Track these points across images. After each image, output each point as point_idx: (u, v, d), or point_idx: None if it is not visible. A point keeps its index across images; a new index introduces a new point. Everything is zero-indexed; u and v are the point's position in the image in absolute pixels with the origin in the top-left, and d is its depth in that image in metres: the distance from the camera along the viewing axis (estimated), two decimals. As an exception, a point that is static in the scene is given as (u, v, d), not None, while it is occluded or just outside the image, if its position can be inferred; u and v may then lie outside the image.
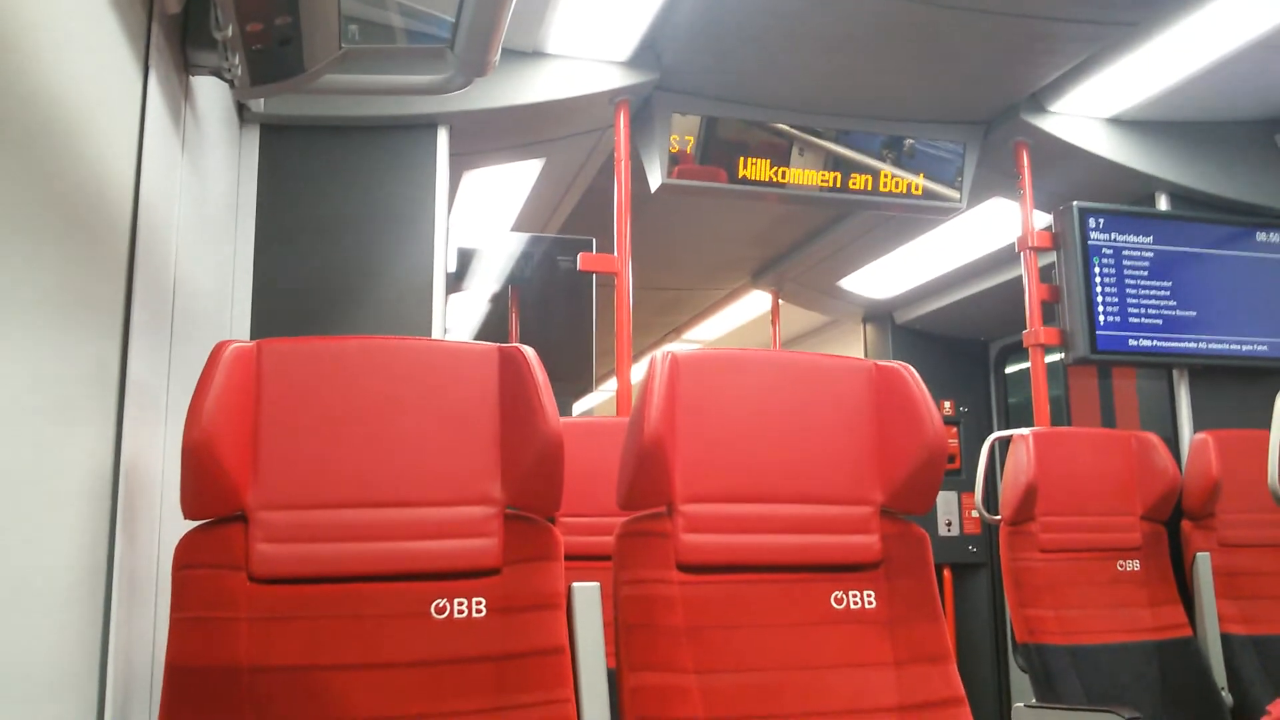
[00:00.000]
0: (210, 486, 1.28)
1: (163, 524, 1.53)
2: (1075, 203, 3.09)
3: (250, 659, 1.25)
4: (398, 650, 1.30)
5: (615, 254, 2.80)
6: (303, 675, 1.26)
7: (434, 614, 1.32)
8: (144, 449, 1.42)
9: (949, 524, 4.50)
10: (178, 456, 1.27)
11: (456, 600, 1.33)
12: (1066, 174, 3.21)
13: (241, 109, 2.40)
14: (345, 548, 1.33)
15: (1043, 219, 3.23)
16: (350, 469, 1.37)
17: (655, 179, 2.97)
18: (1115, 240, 3.11)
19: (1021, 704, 2.18)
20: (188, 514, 1.30)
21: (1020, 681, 4.27)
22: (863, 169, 3.14)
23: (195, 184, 1.82)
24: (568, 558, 1.43)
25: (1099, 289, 3.07)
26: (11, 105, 0.96)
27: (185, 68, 1.69)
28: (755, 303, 5.39)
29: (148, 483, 1.45)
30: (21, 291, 0.99)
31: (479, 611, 1.33)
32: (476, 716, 1.29)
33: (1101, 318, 3.05)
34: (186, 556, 1.28)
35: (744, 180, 3.05)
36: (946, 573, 4.50)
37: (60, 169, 1.10)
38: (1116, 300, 3.09)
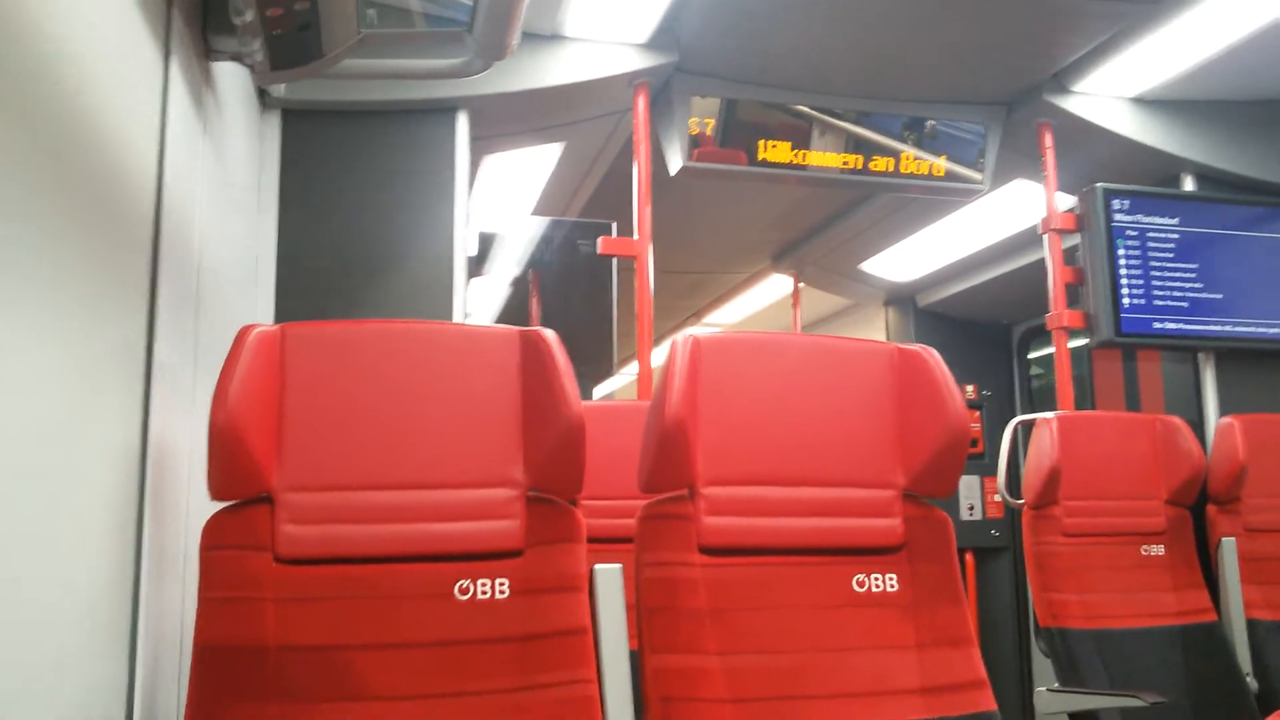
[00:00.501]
0: (236, 468, 1.29)
1: (190, 504, 1.54)
2: (1099, 184, 3.06)
3: (277, 639, 1.26)
4: (422, 631, 1.31)
5: (635, 237, 2.79)
6: (328, 655, 1.27)
7: (457, 595, 1.33)
8: (171, 430, 1.43)
9: (971, 508, 4.49)
10: (204, 438, 1.29)
11: (480, 581, 1.34)
12: (1090, 155, 3.17)
13: (262, 94, 2.40)
14: (369, 529, 1.34)
15: (1066, 200, 3.20)
16: (374, 452, 1.37)
17: (675, 162, 2.96)
18: (1140, 222, 3.08)
19: (1044, 688, 2.17)
20: (214, 495, 1.31)
21: (1042, 666, 4.26)
22: (884, 151, 3.12)
23: (217, 168, 1.82)
24: (589, 540, 1.44)
25: (1123, 271, 3.04)
26: (36, 92, 0.96)
27: (206, 53, 1.70)
28: (776, 286, 5.37)
29: (175, 463, 1.46)
30: (49, 275, 1.00)
31: (502, 593, 1.34)
32: (499, 696, 1.30)
33: (1126, 300, 3.02)
34: (213, 537, 1.30)
35: (764, 163, 3.04)
36: (969, 557, 4.49)
37: (85, 154, 1.11)
38: (1141, 283, 3.06)
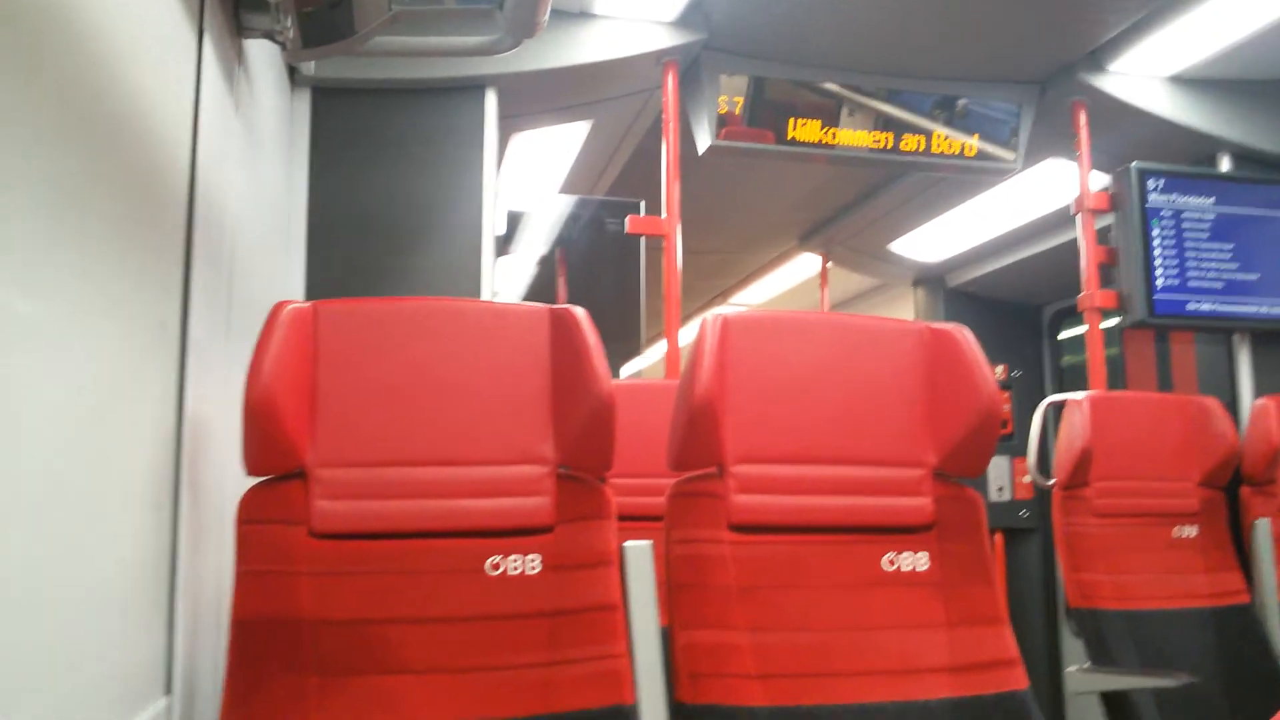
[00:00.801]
0: (270, 444, 1.30)
1: (225, 479, 1.56)
2: (1134, 163, 3.01)
3: (312, 612, 1.28)
4: (454, 605, 1.32)
5: (664, 216, 2.78)
6: (362, 628, 1.29)
7: (489, 570, 1.34)
8: (205, 407, 1.45)
9: (1000, 489, 4.46)
10: (238, 414, 1.30)
11: (511, 557, 1.35)
12: (1125, 134, 3.13)
13: (293, 72, 2.41)
14: (402, 505, 1.35)
15: (1100, 180, 3.16)
16: (406, 428, 1.38)
17: (703, 141, 2.95)
18: (1175, 202, 3.04)
19: (1074, 668, 2.16)
20: (250, 470, 1.32)
21: (1072, 647, 4.24)
22: (914, 129, 3.09)
23: (249, 147, 1.83)
24: (619, 518, 1.44)
25: (1157, 252, 3.00)
26: (71, 70, 0.97)
27: (238, 31, 1.70)
28: (803, 266, 5.34)
29: (210, 440, 1.48)
30: (87, 255, 1.01)
31: (533, 569, 1.35)
32: (531, 670, 1.31)
33: (1160, 281, 2.98)
34: (249, 512, 1.31)
35: (793, 142, 3.02)
36: (998, 538, 4.47)
37: (120, 134, 1.12)
38: (1176, 263, 3.02)
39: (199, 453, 1.41)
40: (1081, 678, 2.13)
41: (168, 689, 1.27)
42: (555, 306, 1.47)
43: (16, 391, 0.84)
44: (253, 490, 1.33)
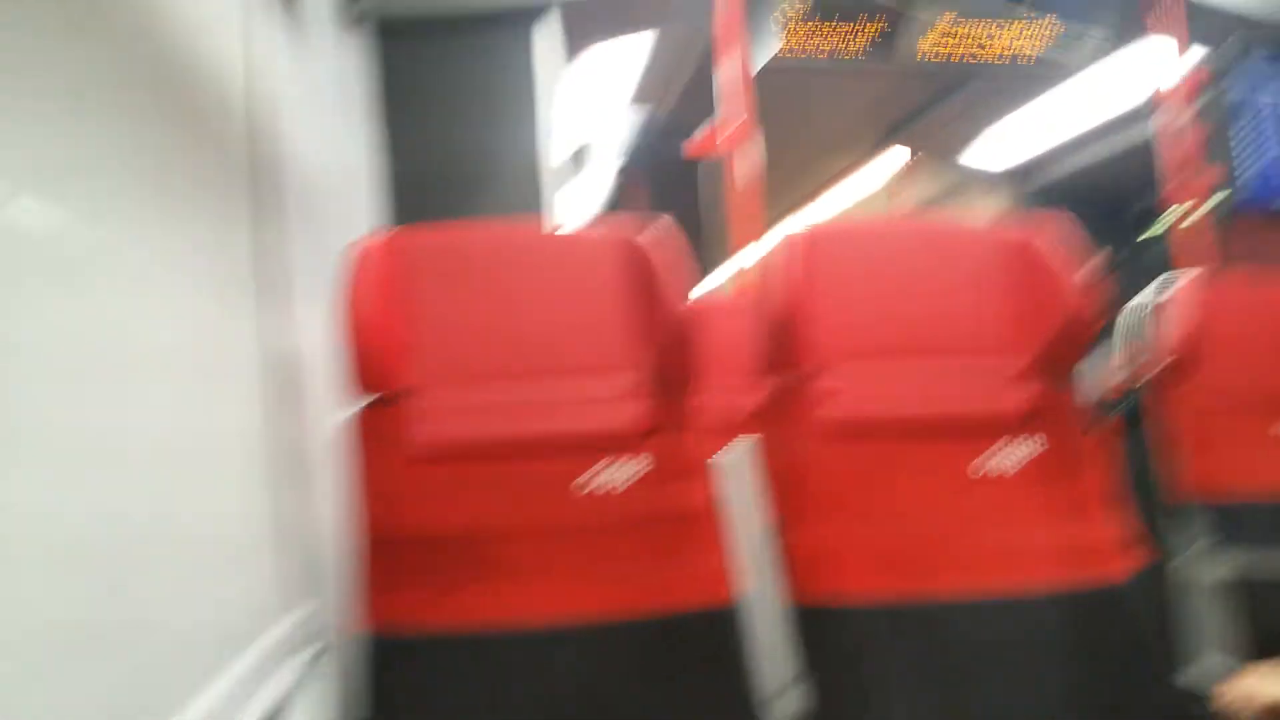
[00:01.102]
0: (366, 368, 1.32)
1: (312, 410, 1.59)
2: (1238, 35, 2.85)
3: (414, 530, 1.31)
4: (556, 516, 1.34)
5: (731, 130, 2.73)
6: (469, 541, 1.32)
7: (585, 482, 1.36)
8: (287, 341, 1.48)
9: (1097, 383, 4.37)
10: (318, 347, 1.32)
11: (607, 470, 1.36)
12: (1220, 13, 2.96)
13: (350, 4, 2.39)
14: (496, 423, 1.36)
15: (1193, 63, 3.00)
16: (495, 348, 1.40)
17: (768, 51, 2.87)
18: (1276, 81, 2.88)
19: (1180, 560, 2.12)
20: (352, 394, 1.35)
21: (1175, 543, 4.17)
22: (991, 20, 2.96)
23: (308, 85, 1.83)
24: (711, 428, 1.44)
25: (1256, 136, 2.86)
26: (123, 8, 0.97)
27: (294, -37, 1.69)
28: (876, 175, 5.22)
29: (296, 369, 1.51)
30: (168, 199, 1.02)
31: (629, 480, 1.36)
32: (638, 575, 1.33)
33: (1262, 165, 2.84)
34: (347, 437, 1.34)
35: (860, 48, 2.93)
36: (1099, 432, 4.38)
37: (181, 71, 1.12)
38: (1276, 147, 2.87)
39: (286, 381, 1.44)
40: (1187, 570, 2.10)
41: (283, 607, 1.32)
42: (633, 224, 1.46)
43: (135, 337, 0.88)
44: (349, 416, 1.36)
